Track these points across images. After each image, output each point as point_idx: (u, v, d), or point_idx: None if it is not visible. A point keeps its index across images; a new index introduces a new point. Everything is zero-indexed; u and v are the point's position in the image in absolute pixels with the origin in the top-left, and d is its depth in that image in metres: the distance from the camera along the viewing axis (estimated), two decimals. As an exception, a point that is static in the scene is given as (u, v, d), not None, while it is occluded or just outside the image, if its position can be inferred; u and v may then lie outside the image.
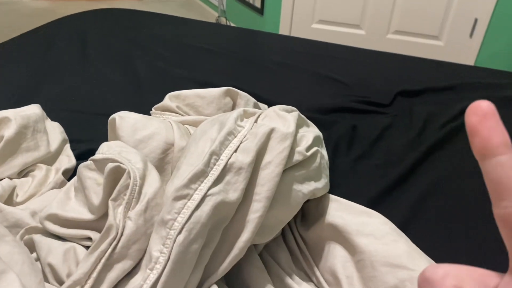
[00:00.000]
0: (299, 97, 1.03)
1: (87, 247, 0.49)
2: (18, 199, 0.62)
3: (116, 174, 0.47)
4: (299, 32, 2.67)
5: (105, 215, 0.49)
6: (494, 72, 1.26)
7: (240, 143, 0.49)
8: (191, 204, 0.42)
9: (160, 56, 1.21)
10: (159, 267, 0.40)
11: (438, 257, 0.60)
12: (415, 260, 0.51)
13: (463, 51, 2.42)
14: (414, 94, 1.07)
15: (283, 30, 2.67)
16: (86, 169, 0.52)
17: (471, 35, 2.39)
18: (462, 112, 0.99)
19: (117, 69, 1.12)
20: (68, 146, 0.78)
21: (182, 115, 0.68)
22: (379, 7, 2.49)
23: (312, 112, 0.95)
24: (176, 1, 3.74)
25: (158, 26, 1.45)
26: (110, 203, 0.44)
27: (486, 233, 0.66)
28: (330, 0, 2.53)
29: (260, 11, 2.68)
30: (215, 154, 0.46)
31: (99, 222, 0.49)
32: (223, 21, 3.13)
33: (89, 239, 0.49)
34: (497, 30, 2.28)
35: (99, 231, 0.49)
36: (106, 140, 0.77)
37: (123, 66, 1.14)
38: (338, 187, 0.75)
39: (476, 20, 2.33)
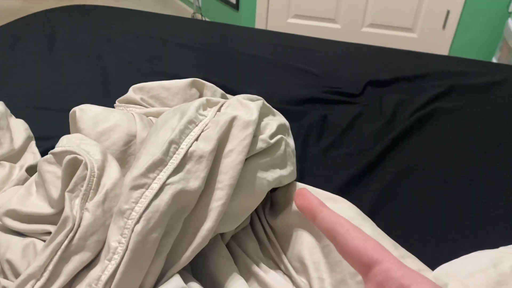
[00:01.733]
0: (270, 89, 1.03)
1: (47, 242, 0.48)
2: (-20, 197, 0.61)
3: (74, 166, 0.46)
4: (275, 27, 2.67)
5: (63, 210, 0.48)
6: (463, 60, 1.28)
7: (202, 132, 0.49)
8: (149, 193, 0.42)
9: (130, 50, 1.20)
10: (117, 257, 0.40)
11: (405, 241, 0.60)
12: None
13: (437, 43, 2.45)
14: (384, 83, 1.08)
15: (259, 25, 2.67)
16: (46, 163, 0.51)
17: (444, 26, 2.42)
18: (431, 100, 1.00)
19: (85, 64, 1.11)
20: (33, 143, 0.77)
21: (147, 107, 0.67)
22: (353, 1, 2.50)
23: (283, 103, 0.95)
24: (151, -2, 3.70)
25: (130, 22, 1.43)
26: (66, 194, 0.43)
27: (452, 218, 0.67)
28: (304, -6, 2.54)
29: (236, 6, 2.67)
30: (174, 143, 0.46)
31: (59, 216, 0.48)
32: (198, 17, 3.11)
33: (49, 233, 0.48)
34: (469, 21, 2.32)
35: (60, 225, 0.48)
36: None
37: (91, 61, 1.12)
38: (308, 175, 0.75)
39: (448, 12, 2.37)
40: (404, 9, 2.42)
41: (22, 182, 0.65)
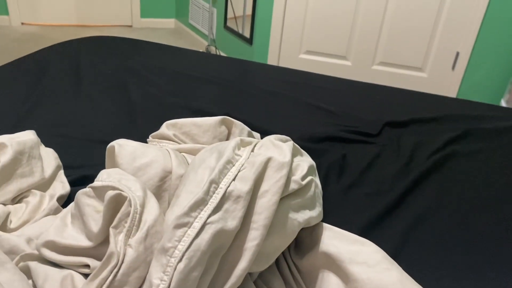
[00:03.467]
0: (290, 126, 1.05)
1: (84, 275, 0.49)
2: (12, 225, 0.62)
3: (116, 202, 0.48)
4: (287, 62, 2.72)
5: (103, 242, 0.50)
6: (475, 104, 1.31)
7: (238, 172, 0.51)
8: (192, 232, 0.43)
9: (153, 83, 1.23)
10: (159, 294, 0.41)
11: (429, 284, 0.61)
12: (408, 287, 0.53)
13: (446, 83, 2.49)
14: (401, 125, 1.10)
15: (272, 60, 2.73)
16: (85, 196, 0.53)
17: (453, 67, 2.46)
18: (447, 143, 1.02)
19: (110, 95, 1.14)
20: (62, 172, 0.78)
21: (179, 143, 0.69)
22: (364, 39, 2.56)
23: (304, 141, 0.97)
24: (166, 29, 3.80)
25: (150, 54, 1.47)
26: (111, 230, 0.45)
27: (475, 258, 0.68)
28: (317, 31, 2.60)
29: (249, 41, 2.73)
30: (214, 183, 0.48)
31: (96, 249, 0.50)
32: (212, 50, 3.18)
33: (87, 266, 0.49)
34: (478, 63, 2.36)
35: (97, 258, 0.50)
36: (100, 166, 0.78)
37: (116, 92, 1.15)
38: (329, 215, 0.76)
39: (458, 54, 2.42)
40: (414, 49, 2.48)
41: (54, 211, 0.66)
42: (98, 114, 1.03)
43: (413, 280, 0.56)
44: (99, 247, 0.49)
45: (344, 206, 0.79)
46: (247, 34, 2.75)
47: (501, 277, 0.65)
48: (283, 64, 2.75)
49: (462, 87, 2.48)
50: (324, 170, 0.88)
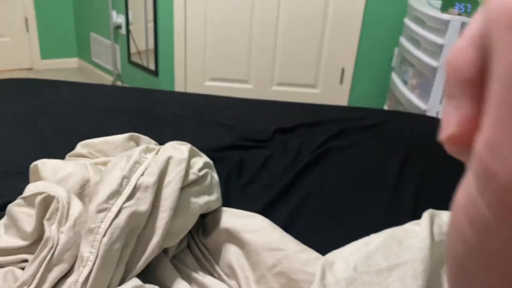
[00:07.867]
0: (194, 141, 1.19)
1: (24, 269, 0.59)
2: None
3: (46, 202, 0.59)
4: (193, 90, 2.88)
5: (36, 241, 0.60)
6: (353, 109, 1.56)
7: (146, 169, 0.64)
8: (111, 214, 0.56)
9: (62, 117, 1.31)
10: (90, 263, 0.53)
11: (309, 245, 0.78)
12: (287, 242, 0.69)
13: (336, 96, 2.81)
14: (289, 130, 1.30)
15: (178, 90, 2.87)
16: (17, 206, 0.63)
17: (341, 82, 2.79)
18: (326, 141, 1.23)
19: (22, 133, 1.20)
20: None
21: (93, 159, 0.81)
22: (262, 63, 2.81)
23: (207, 151, 1.12)
24: (69, 68, 3.79)
25: (57, 91, 1.55)
26: (45, 222, 0.56)
27: (342, 227, 0.87)
28: (218, 59, 2.81)
29: (155, 73, 2.86)
30: (126, 178, 0.61)
31: (31, 248, 0.60)
32: (119, 84, 3.25)
33: (25, 261, 0.59)
34: (361, 76, 2.71)
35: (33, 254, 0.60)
36: (21, 193, 0.86)
37: (27, 130, 1.22)
38: (231, 207, 0.91)
39: (343, 69, 2.75)
40: (306, 69, 2.77)
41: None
42: (13, 151, 1.10)
43: (293, 238, 0.73)
44: (34, 245, 0.60)
45: (243, 199, 0.95)
46: (152, 66, 2.87)
47: (360, 234, 0.85)
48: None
49: (351, 98, 2.81)
50: (226, 173, 1.04)
